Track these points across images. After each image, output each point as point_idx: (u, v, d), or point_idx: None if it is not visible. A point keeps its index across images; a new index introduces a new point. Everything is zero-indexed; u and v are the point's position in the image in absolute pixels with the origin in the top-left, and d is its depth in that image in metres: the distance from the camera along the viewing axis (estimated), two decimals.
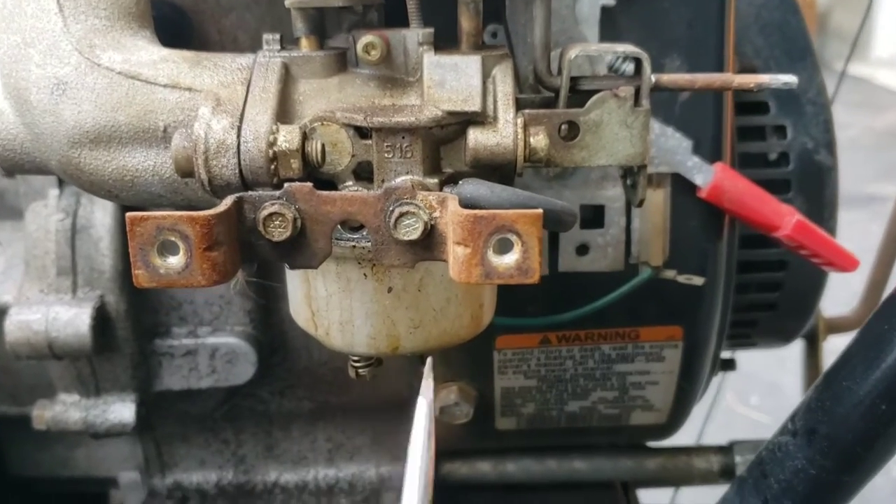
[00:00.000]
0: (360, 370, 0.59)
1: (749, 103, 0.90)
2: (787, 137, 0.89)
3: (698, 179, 0.72)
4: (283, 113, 0.54)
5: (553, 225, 0.54)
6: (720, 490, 0.72)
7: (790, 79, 0.57)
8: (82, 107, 0.54)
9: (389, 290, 0.55)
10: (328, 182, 0.55)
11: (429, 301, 0.56)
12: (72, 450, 0.93)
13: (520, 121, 0.54)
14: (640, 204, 0.58)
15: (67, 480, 0.96)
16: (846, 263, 0.71)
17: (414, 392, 0.88)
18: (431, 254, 0.50)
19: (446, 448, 0.95)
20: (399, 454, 0.94)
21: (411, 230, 0.49)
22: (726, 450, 0.98)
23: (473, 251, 0.47)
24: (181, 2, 0.71)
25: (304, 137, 0.52)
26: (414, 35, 0.56)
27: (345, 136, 0.54)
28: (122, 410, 0.80)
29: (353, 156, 0.54)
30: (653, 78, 0.57)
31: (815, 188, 0.89)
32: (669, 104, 0.73)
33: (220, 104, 0.52)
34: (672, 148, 0.72)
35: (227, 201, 0.48)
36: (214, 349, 0.80)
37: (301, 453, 0.93)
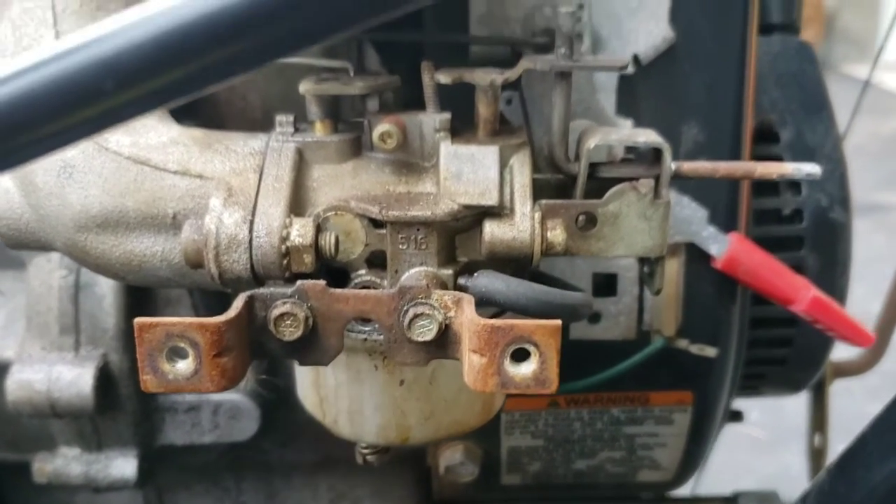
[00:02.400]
0: (367, 457, 0.58)
1: (765, 157, 0.89)
2: (802, 194, 0.87)
3: (713, 250, 0.71)
4: (297, 201, 0.53)
5: (571, 318, 0.53)
6: None
7: (813, 169, 0.56)
8: (89, 191, 0.52)
9: (401, 382, 0.54)
10: (340, 270, 0.54)
11: (440, 392, 0.55)
12: (73, 496, 0.92)
13: (537, 215, 0.52)
14: (658, 293, 0.57)
15: None
16: (860, 339, 0.70)
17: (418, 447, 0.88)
18: (445, 353, 0.49)
19: (450, 499, 0.94)
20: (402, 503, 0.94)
21: (426, 331, 0.48)
22: (730, 500, 0.97)
23: (490, 361, 0.46)
24: None
25: (318, 229, 0.51)
26: (431, 120, 0.55)
27: (359, 225, 0.53)
28: (124, 466, 0.79)
29: (366, 245, 0.53)
30: (673, 167, 0.56)
31: (828, 245, 0.88)
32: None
33: (232, 194, 0.51)
34: (687, 218, 0.71)
35: (238, 304, 0.47)
36: (217, 405, 0.79)
37: (302, 502, 0.92)
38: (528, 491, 0.90)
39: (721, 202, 0.73)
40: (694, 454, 0.85)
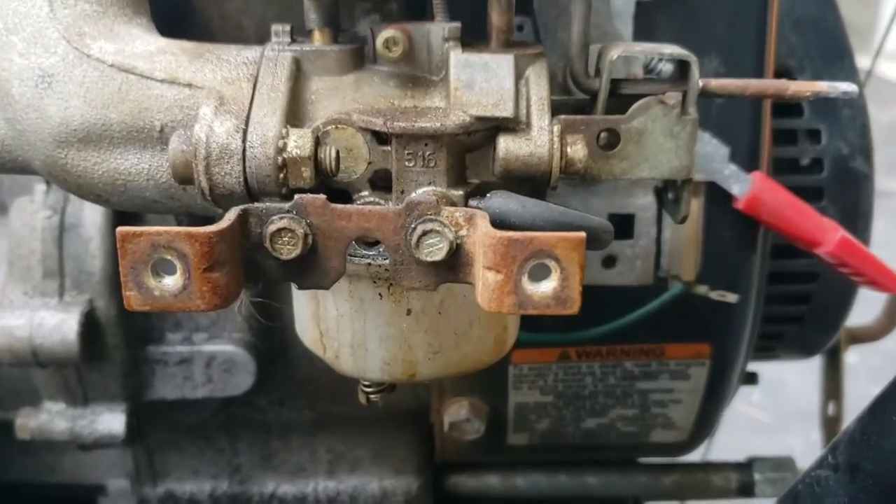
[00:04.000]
0: (371, 396, 0.54)
1: (782, 105, 0.85)
2: (822, 142, 0.83)
3: (735, 189, 0.67)
4: (294, 114, 0.48)
5: (590, 244, 0.49)
6: None
7: (850, 87, 0.52)
8: (70, 102, 0.48)
9: (408, 312, 0.50)
10: (341, 192, 0.50)
11: (450, 324, 0.51)
12: (59, 456, 0.88)
13: (556, 128, 0.48)
14: (683, 220, 0.53)
15: (54, 487, 0.91)
16: (891, 283, 0.67)
17: (421, 404, 0.84)
18: (456, 276, 0.45)
19: (453, 460, 0.90)
20: (402, 467, 0.90)
21: (435, 250, 0.44)
22: (745, 466, 0.93)
23: (506, 278, 0.42)
24: None
25: (317, 142, 0.47)
26: (439, 29, 0.50)
27: (361, 141, 0.49)
28: (112, 421, 0.75)
29: (369, 163, 0.49)
30: (700, 83, 0.52)
31: (849, 197, 0.84)
32: (705, 108, 0.67)
33: (224, 103, 0.47)
34: (708, 155, 0.67)
35: (231, 215, 0.43)
36: (211, 357, 0.75)
37: (300, 464, 0.88)
38: (534, 452, 0.86)
39: (742, 143, 0.69)
40: (709, 412, 0.81)
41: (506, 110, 0.48)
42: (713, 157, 0.67)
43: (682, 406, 0.79)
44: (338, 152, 0.47)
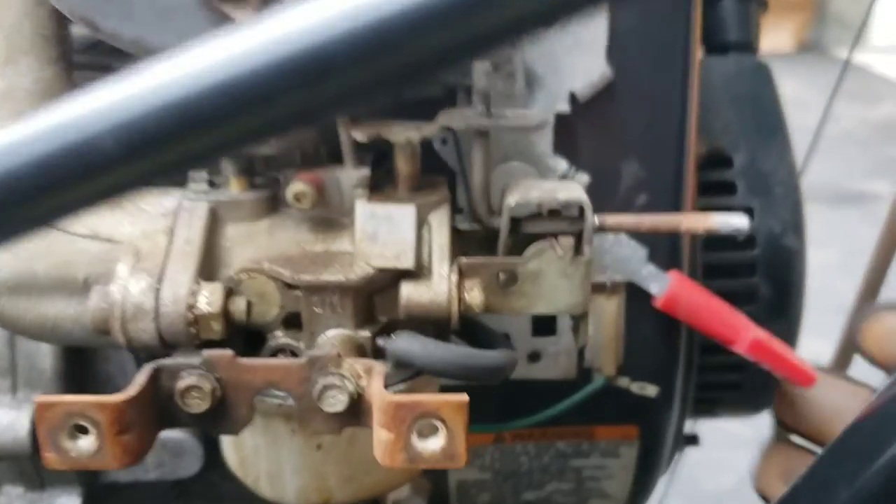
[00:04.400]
0: None
1: (716, 183, 0.88)
2: (755, 220, 0.87)
3: (653, 289, 0.70)
4: (209, 263, 0.52)
5: (490, 381, 0.53)
6: None
7: (741, 223, 0.55)
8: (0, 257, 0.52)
9: (318, 447, 0.53)
10: (257, 332, 0.53)
11: (360, 454, 0.54)
12: None
13: (454, 277, 0.52)
14: (583, 348, 0.56)
15: None
16: (803, 380, 0.70)
17: None
18: (358, 421, 0.49)
19: None
20: None
21: (336, 402, 0.47)
22: None
23: (397, 437, 0.45)
24: None
25: (229, 294, 0.50)
26: (348, 176, 0.54)
27: (273, 287, 0.52)
28: (69, 499, 0.78)
29: (281, 307, 0.52)
30: (597, 220, 0.55)
31: (781, 272, 0.87)
32: (625, 209, 0.71)
33: (140, 259, 0.50)
34: (626, 257, 0.70)
35: (141, 378, 0.46)
36: (161, 444, 0.78)
37: None
38: None
39: (662, 241, 0.72)
40: (643, 484, 0.85)
41: (406, 262, 0.51)
42: (631, 258, 0.70)
43: (615, 480, 0.83)
44: (249, 303, 0.50)
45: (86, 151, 0.27)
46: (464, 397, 0.44)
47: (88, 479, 0.79)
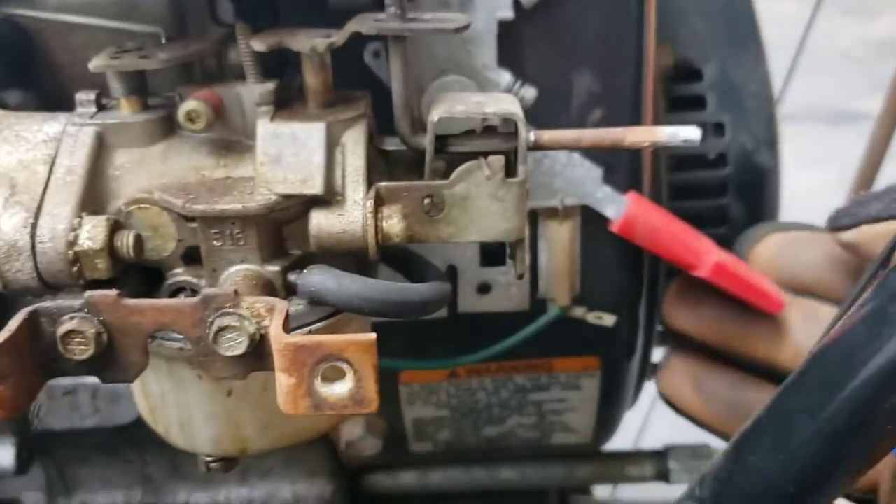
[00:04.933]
0: (211, 465, 0.53)
1: (685, 98, 0.82)
2: (725, 136, 0.81)
3: (609, 212, 0.65)
4: (95, 194, 0.46)
5: (415, 315, 0.48)
6: None
7: (691, 134, 0.50)
8: None
9: (229, 393, 0.49)
10: (156, 271, 0.48)
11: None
12: None
13: (369, 203, 0.46)
14: (521, 277, 0.51)
15: None
16: (770, 305, 0.65)
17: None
18: (264, 364, 0.44)
19: (363, 465, 0.91)
20: (314, 470, 0.90)
21: (235, 345, 0.42)
22: (661, 455, 0.93)
23: (298, 381, 0.40)
24: (21, 20, 0.61)
25: (115, 228, 0.45)
26: (250, 92, 0.48)
27: (167, 219, 0.47)
28: (1, 454, 0.74)
29: (178, 241, 0.47)
30: (532, 136, 0.49)
31: (754, 192, 0.82)
32: (578, 126, 0.65)
33: (15, 192, 0.45)
34: (580, 178, 0.64)
35: (13, 324, 0.41)
36: (95, 389, 0.74)
37: (210, 473, 0.88)
38: (442, 456, 0.86)
39: (620, 161, 0.66)
40: (608, 416, 0.81)
41: (314, 187, 0.46)
42: (584, 179, 0.64)
43: (578, 413, 0.79)
44: (137, 237, 0.45)
45: None
46: (371, 336, 0.39)
47: (20, 428, 0.75)
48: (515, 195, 0.48)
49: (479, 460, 0.90)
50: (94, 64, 0.47)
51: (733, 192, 0.81)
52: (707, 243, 0.65)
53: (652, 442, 0.98)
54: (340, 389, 0.41)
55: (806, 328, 0.64)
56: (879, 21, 5.15)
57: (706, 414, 0.69)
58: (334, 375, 0.41)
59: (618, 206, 0.65)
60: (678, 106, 0.82)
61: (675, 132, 0.49)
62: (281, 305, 0.43)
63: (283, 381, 0.41)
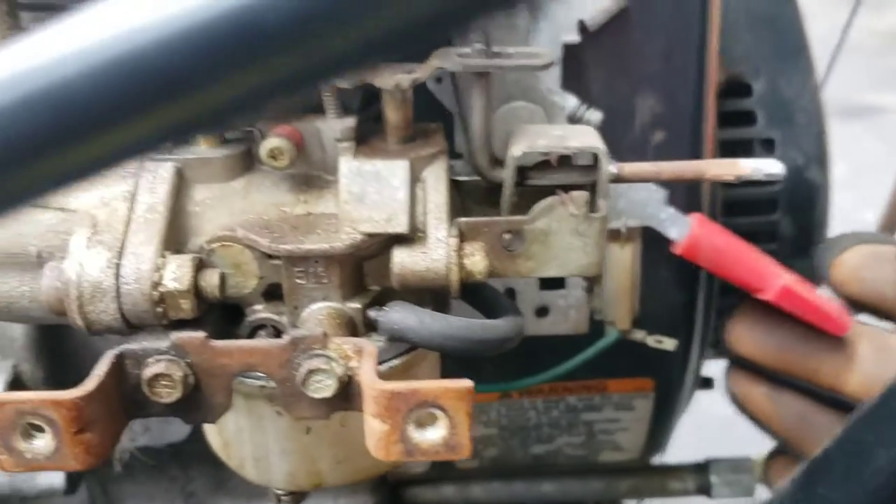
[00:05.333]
0: (282, 499, 0.52)
1: (735, 113, 0.81)
2: (776, 152, 0.80)
3: (673, 233, 0.64)
4: (177, 232, 0.46)
5: (497, 351, 0.48)
6: None
7: (774, 168, 0.49)
8: None
9: (307, 430, 0.48)
10: (234, 306, 0.48)
11: (354, 435, 0.49)
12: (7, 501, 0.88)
13: (453, 241, 0.46)
14: (598, 312, 0.51)
15: None
16: (835, 328, 0.64)
17: None
18: (350, 405, 0.44)
19: (408, 479, 0.91)
20: (358, 488, 0.90)
21: (323, 387, 0.42)
22: (702, 468, 0.93)
23: (392, 428, 0.40)
24: None
25: (200, 266, 0.44)
26: (330, 128, 0.47)
27: (250, 257, 0.46)
28: (51, 475, 0.74)
29: (260, 278, 0.47)
30: (614, 169, 0.49)
31: (803, 208, 0.81)
32: (641, 148, 0.64)
33: (98, 231, 0.44)
34: (643, 200, 0.64)
35: (102, 368, 0.41)
36: None
37: (254, 488, 0.88)
38: (487, 472, 0.86)
39: (682, 182, 0.66)
40: (659, 434, 0.81)
41: (399, 226, 0.45)
42: (648, 201, 0.64)
43: (629, 433, 0.79)
44: (222, 276, 0.45)
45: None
46: (467, 384, 0.39)
47: None
48: (597, 230, 0.47)
49: (521, 474, 0.90)
50: None
51: (783, 209, 0.80)
52: (772, 265, 0.65)
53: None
54: (433, 436, 0.40)
55: (875, 358, 0.64)
56: (890, 13, 5.12)
57: (776, 420, 0.68)
58: (427, 421, 0.40)
59: (681, 228, 0.64)
60: (727, 122, 0.81)
61: (758, 166, 0.49)
62: (370, 348, 0.42)
63: (375, 426, 0.40)
